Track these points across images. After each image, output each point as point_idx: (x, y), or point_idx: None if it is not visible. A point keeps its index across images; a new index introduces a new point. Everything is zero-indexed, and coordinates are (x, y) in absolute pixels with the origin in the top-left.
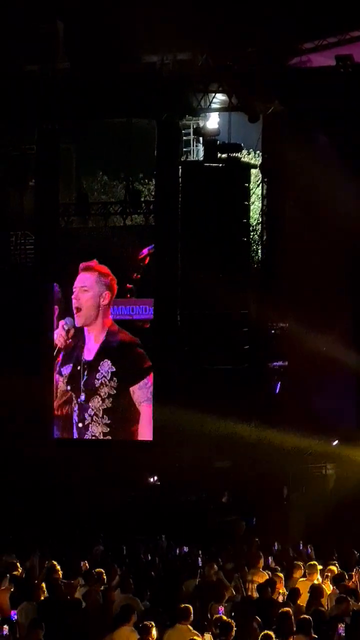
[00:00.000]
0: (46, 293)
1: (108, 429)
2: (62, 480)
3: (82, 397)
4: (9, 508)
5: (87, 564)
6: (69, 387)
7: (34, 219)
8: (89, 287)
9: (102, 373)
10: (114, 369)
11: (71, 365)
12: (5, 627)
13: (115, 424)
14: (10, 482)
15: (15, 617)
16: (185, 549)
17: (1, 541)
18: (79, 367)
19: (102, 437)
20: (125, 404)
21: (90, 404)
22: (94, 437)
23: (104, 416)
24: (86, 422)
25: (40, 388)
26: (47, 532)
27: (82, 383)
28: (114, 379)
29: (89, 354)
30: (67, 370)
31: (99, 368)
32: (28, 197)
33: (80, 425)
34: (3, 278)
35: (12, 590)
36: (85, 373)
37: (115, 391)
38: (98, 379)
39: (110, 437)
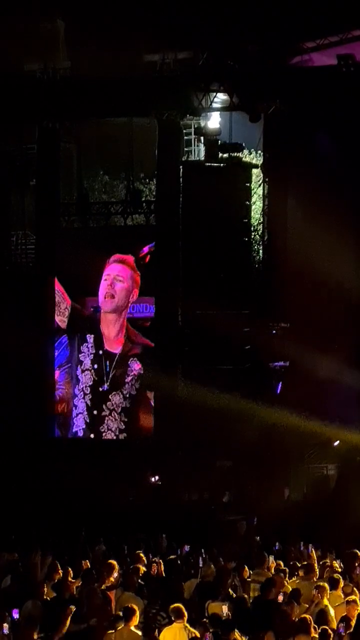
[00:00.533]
0: (47, 292)
1: (124, 427)
2: (64, 479)
3: (105, 386)
4: (10, 506)
5: (88, 563)
6: (88, 374)
7: (34, 219)
8: (124, 278)
9: (132, 371)
10: (142, 372)
11: (93, 345)
12: (5, 625)
13: (131, 424)
14: (11, 480)
15: (17, 615)
16: (187, 548)
17: (3, 539)
18: (100, 352)
19: (117, 434)
20: (143, 407)
21: (111, 398)
22: (110, 431)
23: (122, 413)
24: (103, 414)
25: (41, 391)
26: (49, 531)
27: (109, 374)
28: (139, 380)
29: (110, 346)
30: (87, 352)
31: (130, 365)
32: (29, 196)
33: (94, 412)
34: (4, 277)
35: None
36: (111, 364)
37: (135, 392)
38: (129, 376)
39: (125, 435)
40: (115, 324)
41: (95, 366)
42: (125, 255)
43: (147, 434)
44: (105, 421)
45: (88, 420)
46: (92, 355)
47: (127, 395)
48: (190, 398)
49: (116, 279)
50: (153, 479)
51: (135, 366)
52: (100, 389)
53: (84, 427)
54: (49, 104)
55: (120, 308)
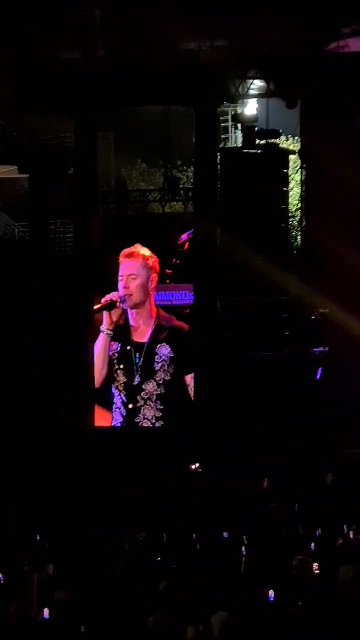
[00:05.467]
0: (86, 281)
1: (161, 415)
2: (103, 469)
3: (137, 379)
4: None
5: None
6: (117, 367)
7: (73, 208)
8: (137, 274)
9: (162, 357)
10: (173, 355)
11: (119, 345)
12: None
13: (168, 410)
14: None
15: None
16: (225, 535)
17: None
18: (128, 347)
19: (154, 422)
20: (179, 391)
21: (144, 387)
22: (146, 420)
23: (158, 401)
24: (138, 405)
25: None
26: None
27: (137, 366)
28: (172, 365)
29: (140, 336)
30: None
31: (157, 352)
32: (67, 185)
33: (130, 407)
34: (44, 267)
35: None
36: (141, 355)
37: (170, 377)
38: (158, 363)
39: (162, 423)
40: (141, 315)
41: (123, 364)
42: (131, 248)
43: (185, 419)
44: (142, 411)
45: (125, 414)
46: (119, 352)
47: (161, 382)
48: (229, 384)
49: (130, 278)
50: (193, 467)
51: (164, 351)
52: (134, 384)
53: (121, 420)
54: (87, 94)
55: (142, 302)
